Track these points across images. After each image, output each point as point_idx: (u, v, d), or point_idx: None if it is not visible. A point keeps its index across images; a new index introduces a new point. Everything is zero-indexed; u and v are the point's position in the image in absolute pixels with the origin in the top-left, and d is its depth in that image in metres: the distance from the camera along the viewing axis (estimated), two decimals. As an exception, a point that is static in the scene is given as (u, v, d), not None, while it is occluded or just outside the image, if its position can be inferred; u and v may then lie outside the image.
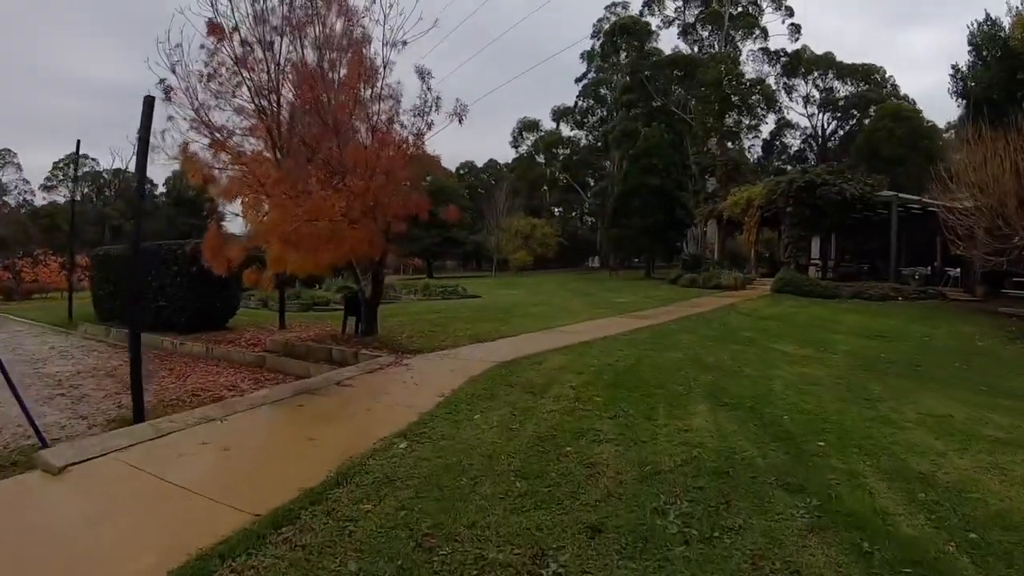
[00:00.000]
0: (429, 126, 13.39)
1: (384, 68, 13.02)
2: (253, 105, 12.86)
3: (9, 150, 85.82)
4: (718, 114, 53.86)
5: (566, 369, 10.33)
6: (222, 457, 6.56)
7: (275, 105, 13.01)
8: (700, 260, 37.90)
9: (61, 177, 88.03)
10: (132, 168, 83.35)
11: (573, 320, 18.16)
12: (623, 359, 11.31)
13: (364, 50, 13.08)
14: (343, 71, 13.07)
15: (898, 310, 22.10)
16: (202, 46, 12.12)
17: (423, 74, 12.98)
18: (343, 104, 12.72)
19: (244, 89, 12.69)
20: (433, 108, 13.15)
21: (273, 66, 12.81)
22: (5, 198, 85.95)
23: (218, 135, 12.41)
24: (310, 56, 12.96)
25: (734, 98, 55.26)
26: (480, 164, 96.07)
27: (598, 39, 70.74)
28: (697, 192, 50.72)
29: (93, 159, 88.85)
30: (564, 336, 14.55)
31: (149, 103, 8.92)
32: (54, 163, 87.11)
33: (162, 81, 11.71)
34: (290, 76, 12.89)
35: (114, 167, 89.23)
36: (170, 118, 11.86)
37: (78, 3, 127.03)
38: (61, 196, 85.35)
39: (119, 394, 10.88)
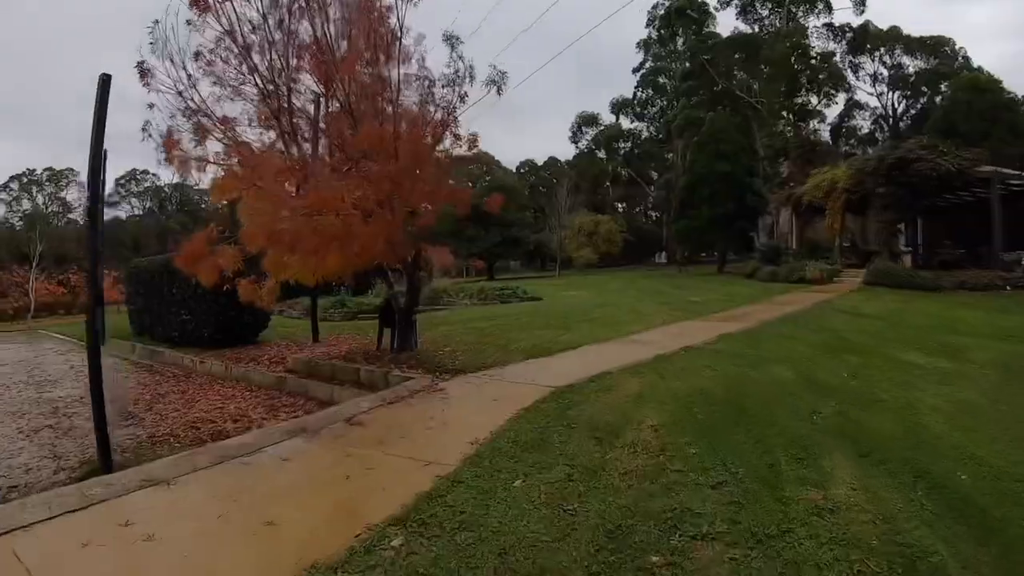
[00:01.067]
0: (462, 99, 11.15)
1: (401, 29, 10.82)
2: (255, 87, 10.98)
3: (72, 169, 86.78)
4: (787, 93, 50.50)
5: (644, 399, 7.93)
6: (136, 553, 4.45)
7: (280, 85, 11.09)
8: (778, 251, 34.76)
9: (124, 193, 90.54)
10: (190, 181, 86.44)
11: (645, 326, 15.78)
12: (715, 381, 8.91)
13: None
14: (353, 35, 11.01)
15: (1017, 304, 19.19)
16: (188, 21, 10.21)
17: (452, 40, 10.89)
18: (352, 67, 10.68)
19: (236, 64, 10.80)
20: (466, 78, 11.03)
21: (275, 36, 10.87)
22: (70, 215, 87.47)
23: (206, 120, 10.51)
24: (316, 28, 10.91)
25: (803, 76, 51.94)
26: (540, 162, 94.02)
27: (653, 26, 68.21)
28: (769, 178, 47.58)
29: (154, 174, 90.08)
30: (637, 348, 12.18)
31: (105, 81, 7.44)
32: (116, 180, 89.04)
33: (140, 63, 9.94)
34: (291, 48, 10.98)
35: (175, 181, 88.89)
36: (150, 105, 10.17)
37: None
38: (123, 212, 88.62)
39: (112, 425, 9.02)
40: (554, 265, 64.58)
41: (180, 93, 10.32)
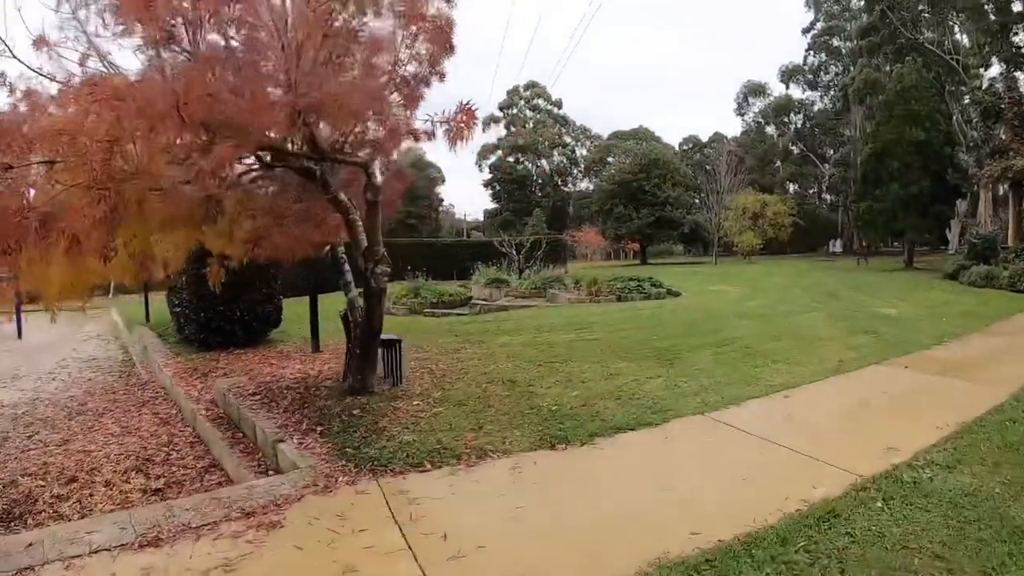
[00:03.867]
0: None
1: None
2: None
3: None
4: (999, 31, 39.54)
5: None
6: None
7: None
8: (994, 244, 26.31)
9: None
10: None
11: (805, 371, 9.70)
12: None
13: None
14: None
15: None
16: None
17: None
18: None
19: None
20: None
21: None
22: None
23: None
24: None
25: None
26: (705, 139, 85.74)
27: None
28: (975, 147, 38.29)
29: None
30: (780, 457, 6.22)
31: None
32: None
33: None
34: None
35: None
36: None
37: None
38: None
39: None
40: (720, 249, 56.80)
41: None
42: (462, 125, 7.24)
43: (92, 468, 7.85)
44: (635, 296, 20.74)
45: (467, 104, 7.32)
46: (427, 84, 7.95)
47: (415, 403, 8.30)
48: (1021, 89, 35.95)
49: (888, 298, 19.08)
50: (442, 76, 8.04)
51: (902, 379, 9.12)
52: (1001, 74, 41.52)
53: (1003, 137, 34.73)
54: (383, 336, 9.16)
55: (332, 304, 12.09)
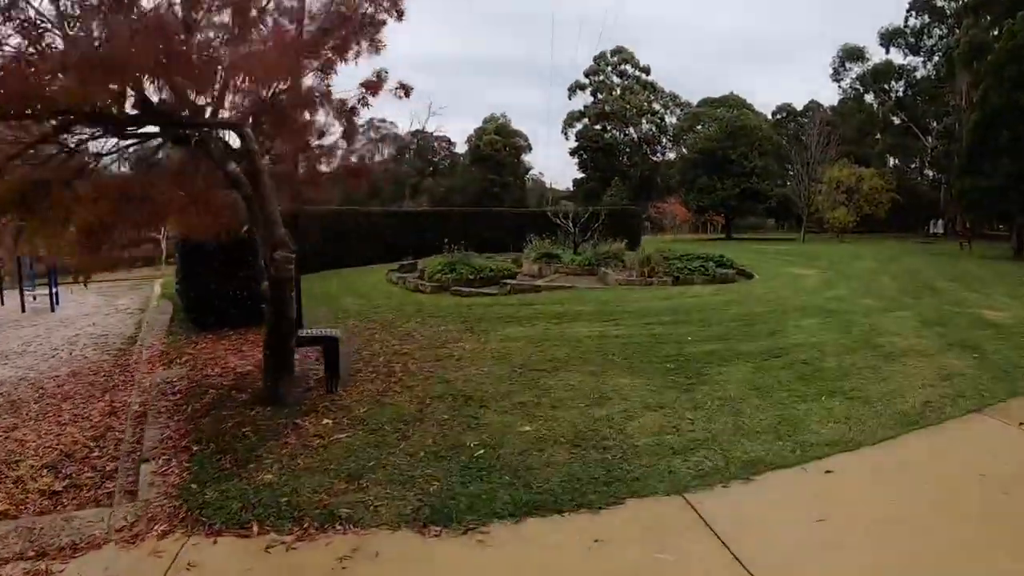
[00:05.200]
0: None
1: None
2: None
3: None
4: None
5: None
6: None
7: None
8: None
9: (365, 141, 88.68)
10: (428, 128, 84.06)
11: (879, 404, 7.07)
12: None
13: None
14: None
15: None
16: None
17: None
18: None
19: None
20: None
21: None
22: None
23: None
24: None
25: None
26: (800, 107, 79.47)
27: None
28: None
29: (391, 122, 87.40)
30: None
31: None
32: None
33: None
34: None
35: (412, 128, 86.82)
36: None
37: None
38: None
39: None
40: (810, 225, 52.48)
41: None
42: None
43: (16, 461, 6.82)
44: (696, 278, 17.81)
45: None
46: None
47: (324, 422, 6.86)
48: None
49: (995, 296, 15.57)
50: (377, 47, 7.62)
51: (1017, 448, 6.18)
52: None
53: None
54: (317, 332, 8.37)
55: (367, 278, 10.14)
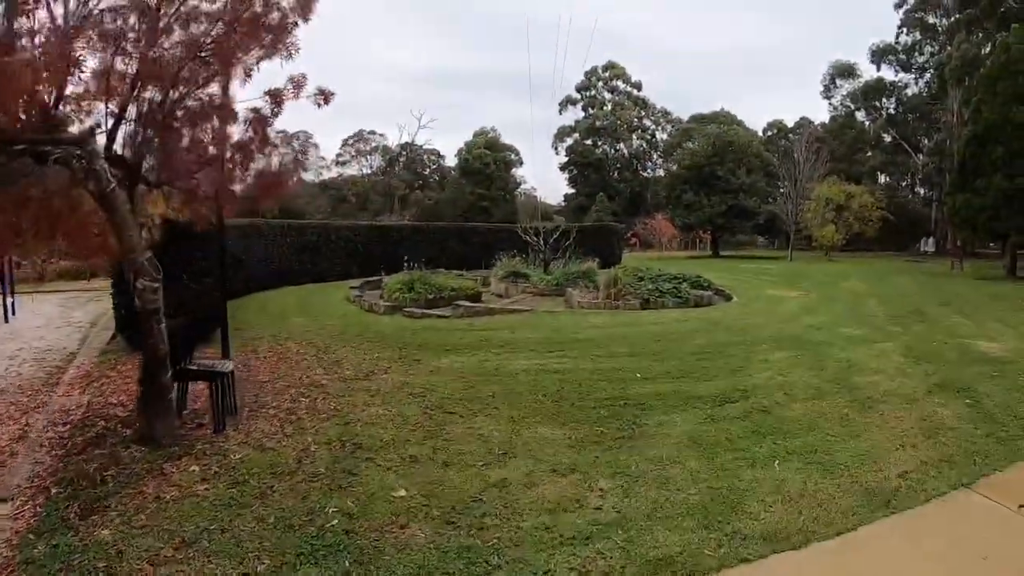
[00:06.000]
0: None
1: None
2: None
3: (305, 131, 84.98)
4: None
5: None
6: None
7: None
8: None
9: (354, 153, 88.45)
10: (418, 141, 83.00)
11: (847, 474, 5.59)
12: None
13: None
14: None
15: None
16: None
17: None
18: None
19: None
20: None
21: None
22: (305, 175, 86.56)
23: None
24: None
25: None
26: (791, 124, 78.11)
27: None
28: None
29: (381, 134, 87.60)
30: None
31: None
32: (343, 140, 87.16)
33: None
34: None
35: (402, 141, 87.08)
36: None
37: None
38: (352, 170, 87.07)
39: None
40: (800, 243, 51.02)
41: None
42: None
43: None
44: (667, 301, 16.39)
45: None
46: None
47: (192, 469, 5.88)
48: None
49: (989, 323, 14.09)
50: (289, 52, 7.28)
51: (1019, 547, 4.70)
52: None
53: None
54: (206, 366, 7.61)
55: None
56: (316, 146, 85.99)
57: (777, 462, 5.88)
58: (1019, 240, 28.69)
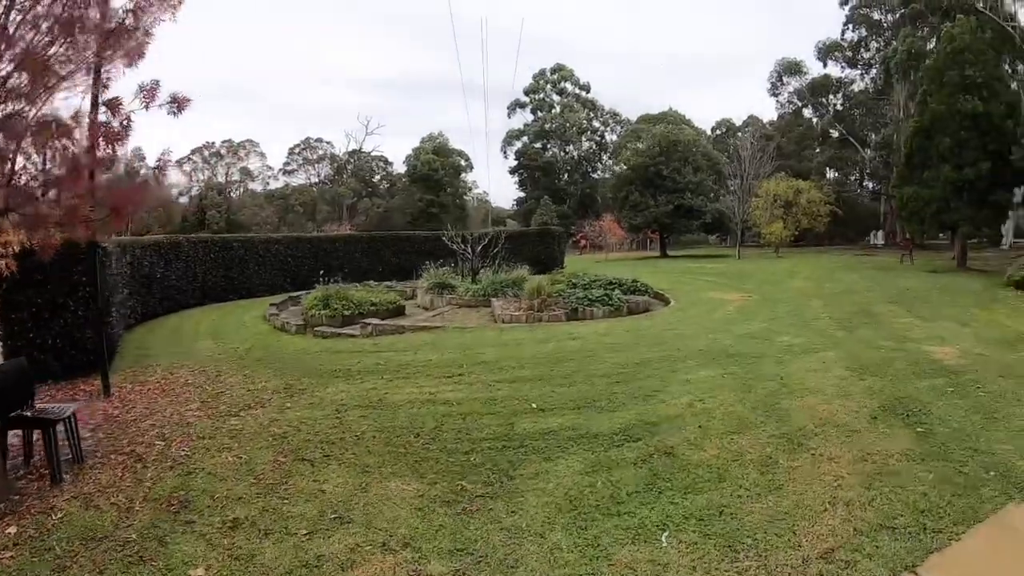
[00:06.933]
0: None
1: None
2: None
3: (251, 140, 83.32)
4: None
5: None
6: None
7: None
8: None
9: (301, 161, 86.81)
10: (366, 148, 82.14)
11: (754, 556, 4.08)
12: None
13: None
14: None
15: None
16: None
17: None
18: None
19: None
20: None
21: None
22: (251, 185, 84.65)
23: None
24: None
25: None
26: (739, 123, 78.36)
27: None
28: None
29: (328, 142, 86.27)
30: None
31: None
32: (289, 148, 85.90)
33: None
34: None
35: (350, 148, 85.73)
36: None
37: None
38: (299, 179, 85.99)
39: None
40: (750, 240, 50.18)
41: None
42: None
43: None
44: (596, 310, 15.01)
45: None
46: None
47: (9, 532, 5.04)
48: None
49: (942, 322, 12.90)
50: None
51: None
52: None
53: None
54: (36, 412, 6.53)
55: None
56: (262, 155, 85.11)
57: (666, 534, 4.51)
58: (968, 231, 27.84)
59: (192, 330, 15.19)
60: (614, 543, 4.40)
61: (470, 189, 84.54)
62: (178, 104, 6.95)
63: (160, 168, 7.74)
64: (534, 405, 7.60)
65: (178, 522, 5.11)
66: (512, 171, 80.00)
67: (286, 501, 5.35)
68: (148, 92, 6.71)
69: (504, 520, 4.83)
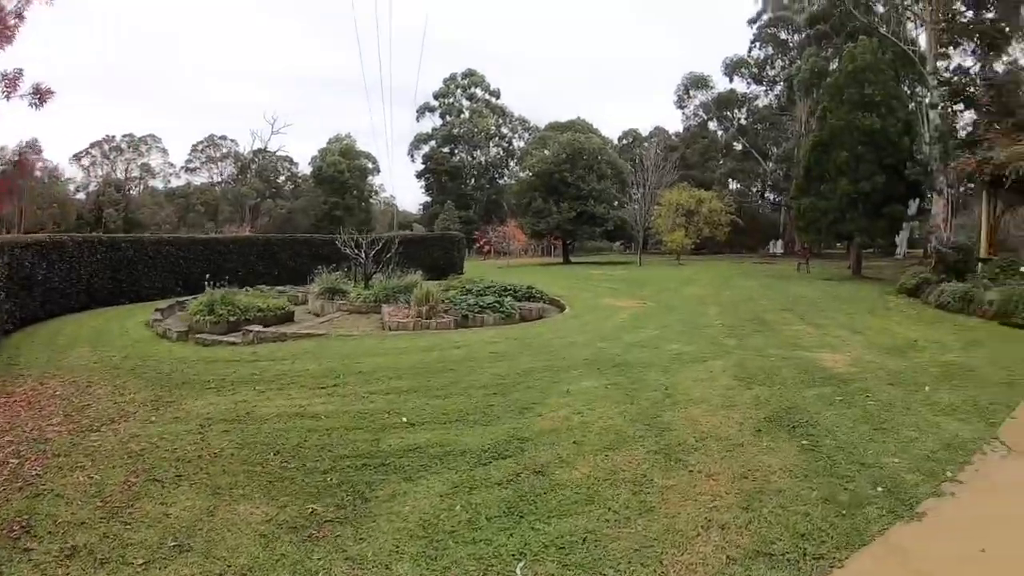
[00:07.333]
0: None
1: None
2: None
3: (153, 135, 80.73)
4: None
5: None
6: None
7: None
8: (971, 256, 19.89)
9: (204, 159, 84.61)
10: (271, 147, 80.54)
11: None
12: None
13: None
14: None
15: None
16: None
17: None
18: None
19: None
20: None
21: None
22: (152, 182, 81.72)
23: None
24: None
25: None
26: (646, 132, 78.83)
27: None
28: (938, 138, 30.34)
29: (232, 140, 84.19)
30: None
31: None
32: (192, 145, 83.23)
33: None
34: None
35: (254, 147, 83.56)
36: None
37: None
38: (202, 177, 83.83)
39: None
40: (657, 247, 51.39)
41: None
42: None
43: None
44: (488, 317, 14.46)
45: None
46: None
47: None
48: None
49: (833, 329, 12.82)
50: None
51: None
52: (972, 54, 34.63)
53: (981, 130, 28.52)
54: None
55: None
56: (164, 151, 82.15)
57: (521, 564, 3.93)
58: (863, 241, 28.66)
59: (71, 336, 13.96)
60: (464, 575, 3.81)
61: (376, 192, 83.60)
62: (40, 95, 6.43)
63: (19, 162, 6.99)
64: (404, 419, 6.95)
65: (16, 550, 4.59)
66: (419, 175, 79.74)
67: (128, 527, 4.75)
68: (10, 81, 6.17)
69: (350, 549, 4.23)
